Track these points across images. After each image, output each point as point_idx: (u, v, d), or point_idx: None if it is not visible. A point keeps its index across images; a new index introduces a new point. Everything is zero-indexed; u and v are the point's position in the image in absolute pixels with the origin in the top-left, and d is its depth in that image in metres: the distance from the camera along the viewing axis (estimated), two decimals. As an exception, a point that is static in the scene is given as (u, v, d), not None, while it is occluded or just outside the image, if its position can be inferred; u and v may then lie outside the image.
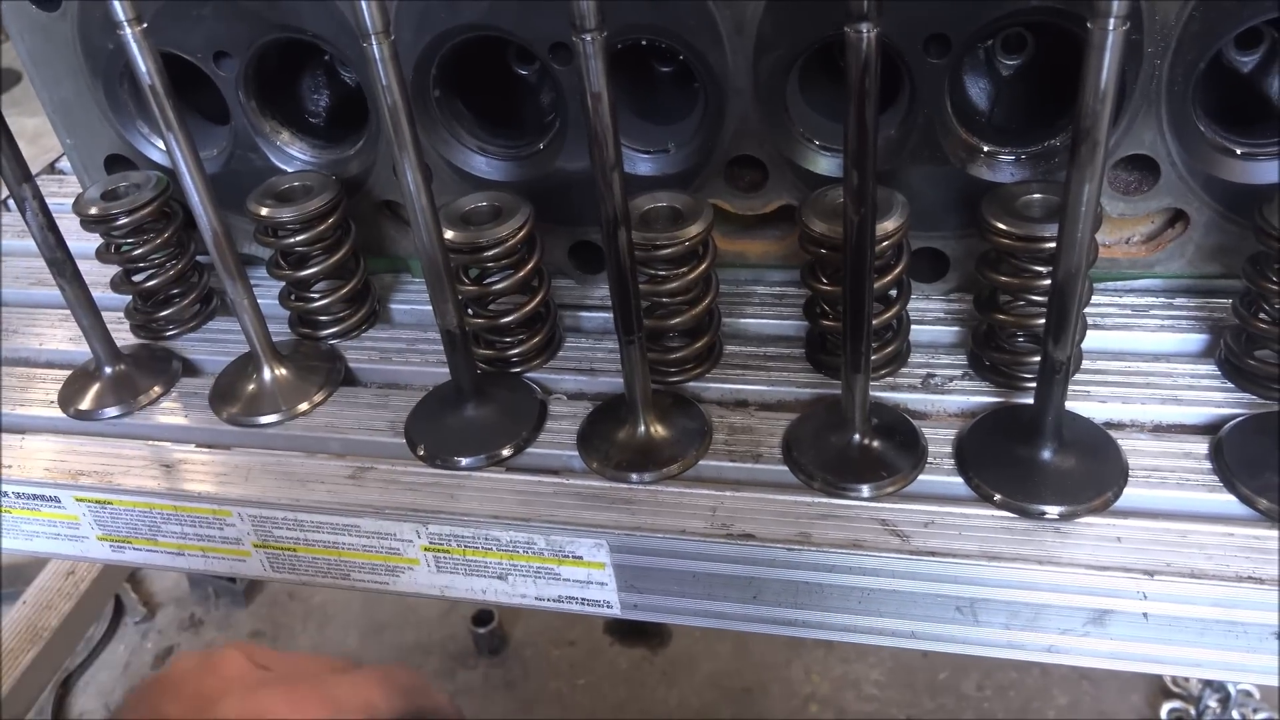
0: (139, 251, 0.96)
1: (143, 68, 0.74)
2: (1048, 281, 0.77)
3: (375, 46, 0.66)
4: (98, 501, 0.85)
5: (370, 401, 0.90)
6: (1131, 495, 0.73)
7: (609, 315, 0.95)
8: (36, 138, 1.44)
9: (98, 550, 0.89)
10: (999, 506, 0.73)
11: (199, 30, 0.91)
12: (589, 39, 0.62)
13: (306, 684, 0.65)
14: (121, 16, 0.71)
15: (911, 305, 0.87)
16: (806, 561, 0.72)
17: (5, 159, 0.82)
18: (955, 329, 0.89)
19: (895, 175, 0.86)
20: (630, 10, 0.81)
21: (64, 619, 1.57)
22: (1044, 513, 0.72)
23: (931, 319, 0.91)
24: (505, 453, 0.82)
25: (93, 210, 0.94)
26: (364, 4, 0.64)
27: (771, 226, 0.96)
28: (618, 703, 2.06)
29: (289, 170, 0.98)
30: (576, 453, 0.82)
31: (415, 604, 2.23)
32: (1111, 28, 0.56)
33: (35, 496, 0.87)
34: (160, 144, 1.01)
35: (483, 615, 2.16)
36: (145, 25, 0.73)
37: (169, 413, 0.92)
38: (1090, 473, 0.74)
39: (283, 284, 0.97)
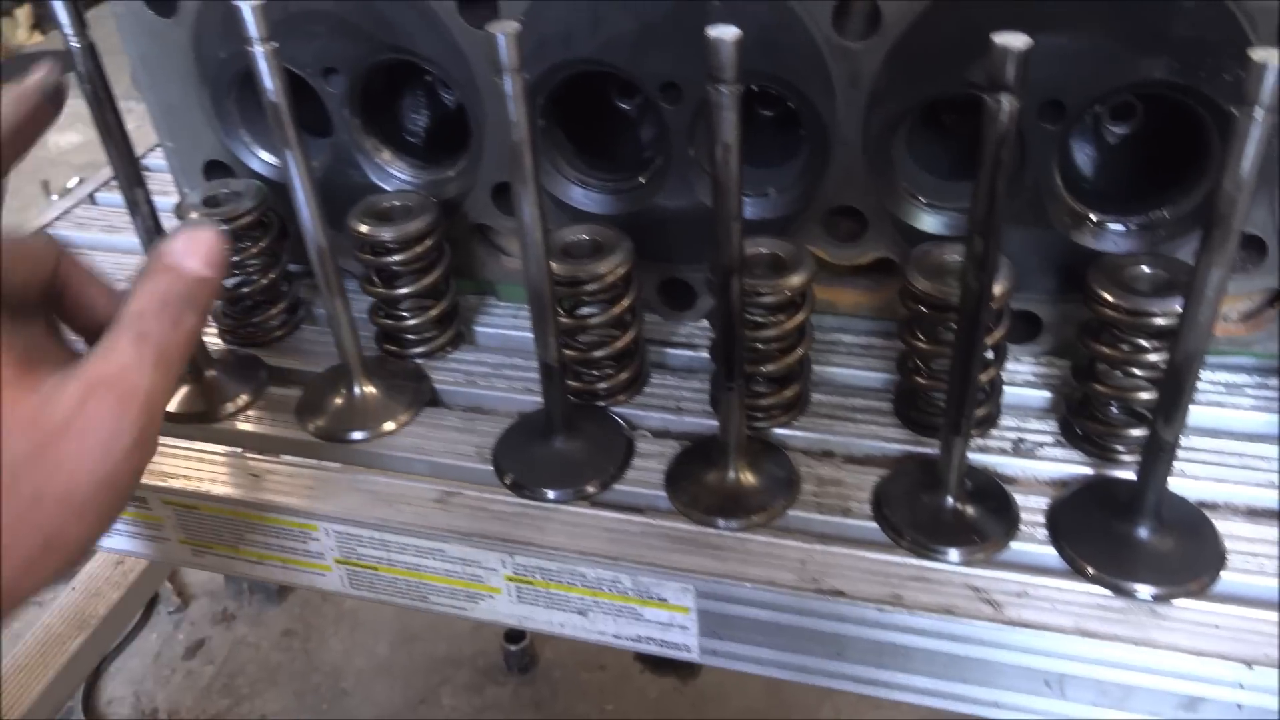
0: (235, 259, 0.97)
1: (269, 84, 0.75)
2: (1153, 356, 0.77)
3: (508, 82, 0.67)
4: (185, 506, 0.86)
5: (456, 425, 0.91)
6: (1228, 580, 0.72)
7: (694, 353, 0.96)
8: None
9: (179, 553, 0.90)
10: (1093, 581, 0.72)
11: (312, 46, 0.93)
12: (725, 90, 0.62)
13: None
14: (254, 33, 0.72)
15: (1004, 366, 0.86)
16: (896, 623, 0.72)
17: (120, 163, 0.84)
18: (1045, 394, 0.89)
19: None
20: (745, 57, 0.82)
21: (111, 607, 1.59)
22: (1140, 592, 0.71)
23: (1021, 381, 0.90)
24: (592, 488, 0.83)
25: (195, 215, 0.96)
26: (501, 39, 0.65)
27: (864, 277, 0.95)
28: (644, 731, 2.05)
29: (386, 188, 0.99)
30: (663, 492, 0.82)
31: (448, 616, 2.23)
32: (1259, 117, 0.55)
33: (122, 496, 0.88)
34: (262, 154, 1.03)
35: (515, 632, 2.16)
36: (276, 44, 0.73)
37: (256, 421, 0.93)
38: (1188, 554, 0.73)
39: (372, 299, 0.98)
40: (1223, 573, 0.72)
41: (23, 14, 5.16)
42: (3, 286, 0.53)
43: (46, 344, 0.55)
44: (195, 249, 0.56)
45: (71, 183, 2.27)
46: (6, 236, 0.55)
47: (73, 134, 3.77)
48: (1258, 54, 0.55)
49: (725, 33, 0.61)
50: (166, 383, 0.54)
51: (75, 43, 0.79)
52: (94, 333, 0.59)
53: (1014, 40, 0.57)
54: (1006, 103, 0.59)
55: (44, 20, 5.19)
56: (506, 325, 1.01)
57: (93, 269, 0.62)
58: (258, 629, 2.34)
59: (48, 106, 0.60)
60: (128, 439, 0.51)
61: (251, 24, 0.72)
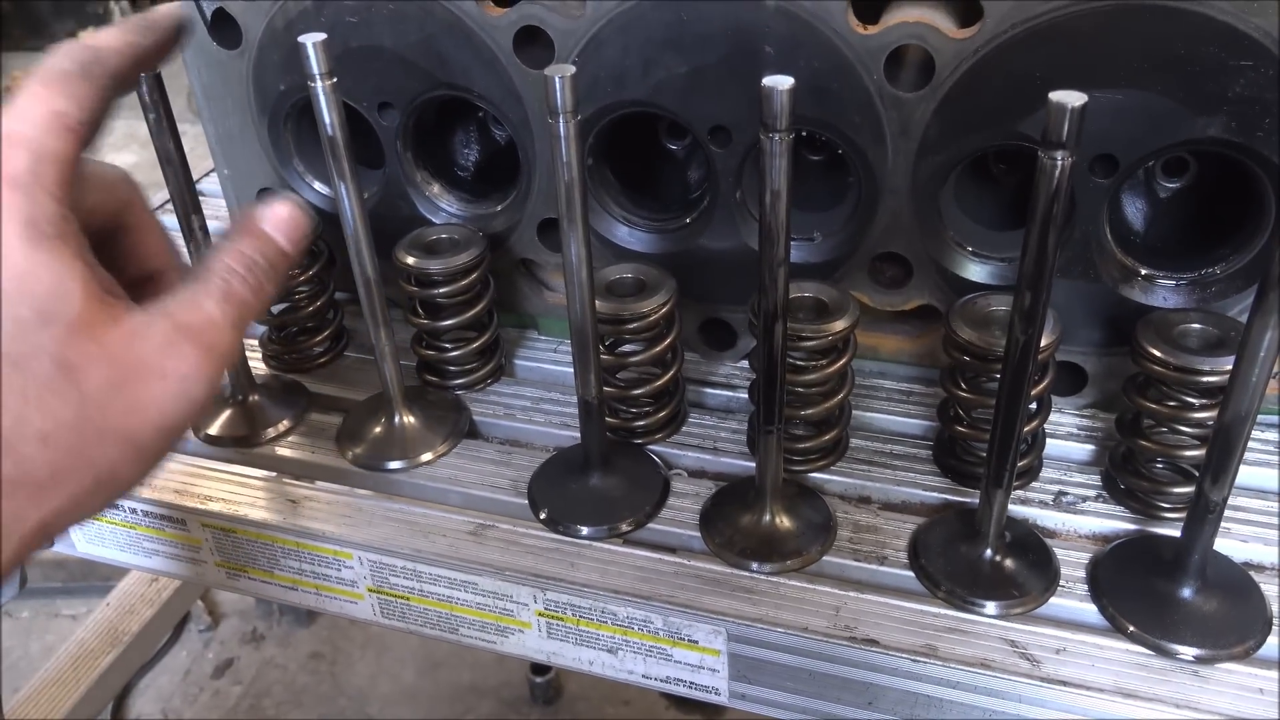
0: (285, 286, 0.99)
1: (327, 119, 0.76)
2: (1200, 414, 0.76)
3: (562, 124, 0.68)
4: (223, 529, 0.87)
5: (493, 457, 0.91)
6: (1274, 645, 0.71)
7: (733, 394, 0.96)
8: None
9: (214, 575, 0.91)
10: (1133, 640, 0.71)
11: (369, 81, 0.94)
12: (777, 139, 0.63)
13: None
14: (316, 70, 0.74)
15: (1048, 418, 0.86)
16: (930, 675, 0.71)
17: (179, 190, 0.85)
18: (1089, 447, 0.88)
19: (1045, 288, 0.85)
20: (796, 103, 0.82)
21: (144, 625, 1.60)
22: (1182, 653, 0.70)
23: (1064, 434, 0.89)
24: (626, 526, 0.82)
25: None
26: (558, 82, 0.66)
27: (906, 323, 0.95)
28: (668, 770, 2.03)
29: (435, 221, 1.00)
30: (697, 533, 0.82)
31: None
32: (1318, 180, 0.55)
33: (163, 517, 0.89)
34: (315, 184, 1.05)
35: (540, 665, 2.15)
36: (335, 80, 0.75)
37: (296, 446, 0.94)
38: (1233, 617, 0.72)
39: (415, 330, 0.99)
40: (1269, 637, 0.71)
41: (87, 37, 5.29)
42: (83, 208, 0.52)
43: (112, 279, 0.53)
44: (284, 225, 0.57)
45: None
46: (85, 160, 0.53)
47: (128, 154, 3.86)
48: (1315, 116, 0.54)
49: (780, 83, 0.62)
50: (238, 345, 0.53)
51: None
52: (139, 281, 0.58)
53: (1071, 98, 0.57)
54: (1061, 159, 0.59)
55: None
56: (547, 360, 1.02)
57: (155, 216, 0.60)
58: (286, 650, 2.35)
59: (174, 37, 0.58)
60: (201, 391, 0.50)
61: (314, 60, 0.74)
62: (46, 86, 0.50)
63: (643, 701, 2.15)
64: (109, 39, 0.54)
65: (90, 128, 0.50)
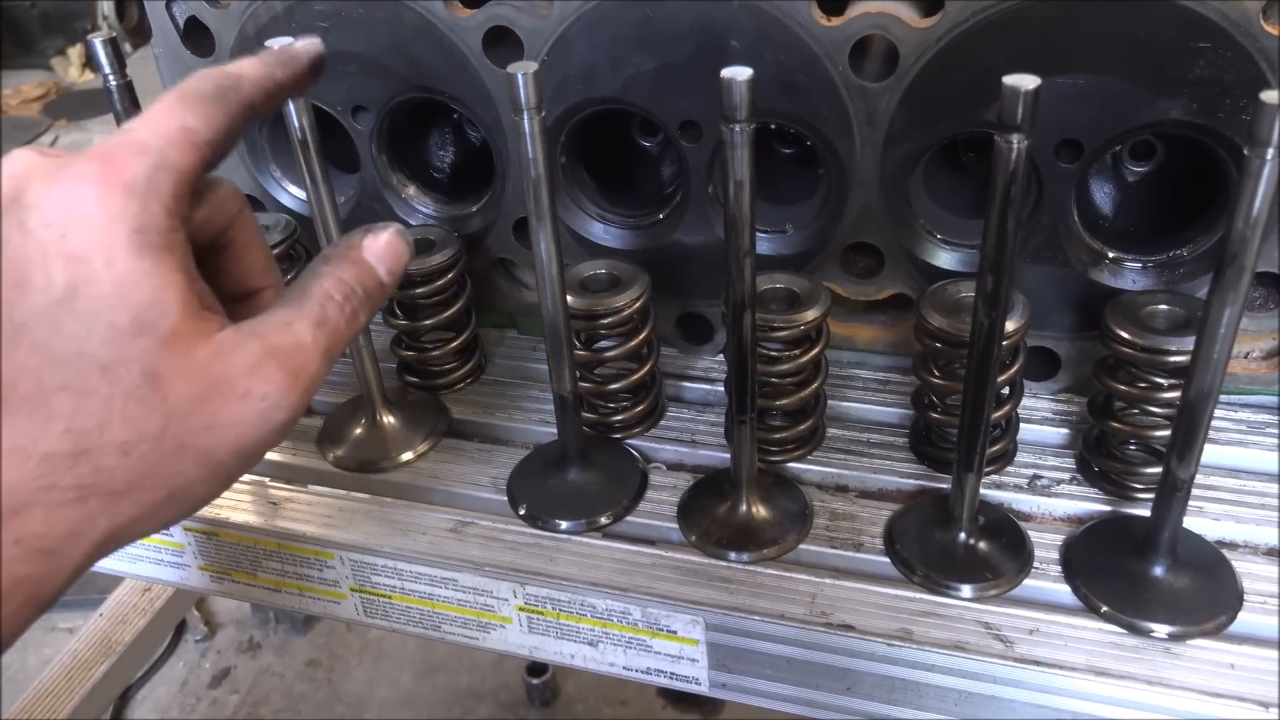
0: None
1: (295, 123, 0.77)
2: (1169, 394, 0.77)
3: (526, 120, 0.68)
4: (204, 532, 0.88)
5: (473, 455, 0.92)
6: (1246, 621, 0.71)
7: (711, 387, 0.97)
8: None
9: (198, 579, 0.91)
10: (1106, 620, 0.72)
11: (342, 85, 0.95)
12: (738, 129, 0.63)
13: (110, 147, 0.50)
14: (283, 73, 0.74)
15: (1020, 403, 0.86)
16: (906, 659, 0.72)
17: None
18: (1063, 430, 0.89)
19: (1014, 273, 0.85)
20: (764, 96, 0.83)
21: (138, 634, 1.60)
22: (1154, 631, 0.70)
23: (1039, 418, 0.90)
24: (605, 519, 0.83)
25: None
26: (520, 79, 0.67)
27: (881, 312, 0.96)
28: (666, 768, 2.03)
29: (411, 223, 1.01)
30: (676, 525, 0.83)
31: (461, 646, 2.23)
32: (1270, 157, 0.55)
33: (146, 521, 0.89)
34: (291, 189, 1.05)
35: (537, 666, 2.15)
36: (303, 82, 0.75)
37: (277, 449, 0.94)
38: (1204, 594, 0.72)
39: (394, 331, 0.99)
40: (1240, 613, 0.72)
41: (75, 54, 5.30)
42: (192, 220, 0.52)
43: (211, 293, 0.52)
44: (386, 255, 0.56)
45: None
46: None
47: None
48: (1268, 96, 0.55)
49: (739, 74, 0.63)
50: (326, 373, 0.53)
51: (113, 81, 0.81)
52: (237, 297, 0.57)
53: (1025, 81, 0.58)
54: (1017, 142, 0.59)
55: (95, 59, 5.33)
56: (526, 358, 1.03)
57: (261, 233, 0.60)
58: (283, 658, 2.35)
59: (311, 71, 0.59)
60: (282, 416, 0.50)
61: (280, 62, 0.74)
62: (182, 102, 0.50)
63: (640, 701, 2.16)
64: (249, 68, 0.55)
65: (216, 148, 0.51)
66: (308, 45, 0.59)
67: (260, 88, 0.55)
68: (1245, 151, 0.56)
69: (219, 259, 0.57)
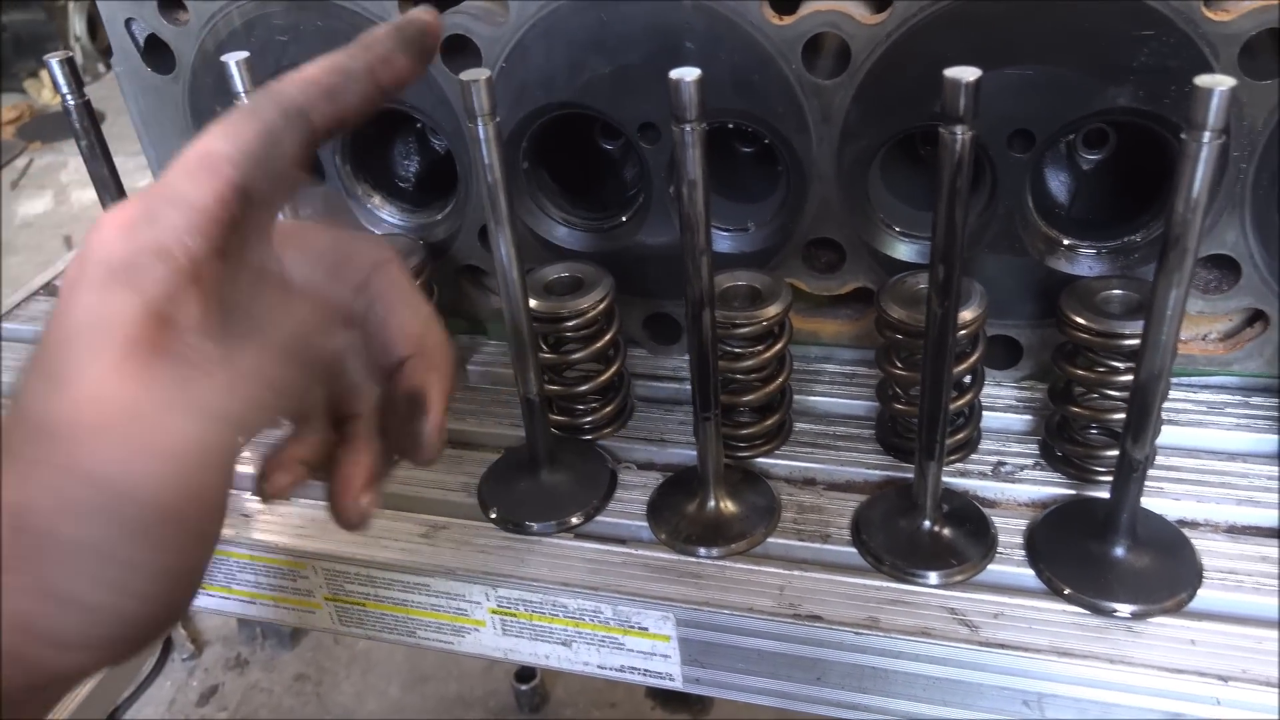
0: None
1: (254, 135, 0.77)
2: (1126, 377, 0.78)
3: (481, 127, 0.69)
4: (179, 546, 0.88)
5: (444, 461, 0.92)
6: (1206, 597, 0.72)
7: (679, 386, 0.98)
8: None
9: (174, 593, 0.92)
10: (1070, 601, 0.73)
11: (302, 97, 0.95)
12: (689, 129, 0.64)
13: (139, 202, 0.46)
14: (240, 88, 0.75)
15: (983, 391, 0.87)
16: (874, 646, 0.72)
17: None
18: (1027, 417, 0.90)
19: (973, 263, 0.87)
20: (720, 96, 0.84)
21: (121, 654, 1.59)
22: (1116, 611, 0.71)
23: (1003, 406, 0.91)
24: (575, 520, 0.84)
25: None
26: (474, 86, 0.67)
27: (846, 307, 0.97)
28: (657, 770, 2.04)
29: (377, 233, 1.02)
30: (646, 523, 0.83)
31: (459, 656, 2.23)
32: (1206, 140, 0.57)
33: (119, 537, 0.89)
34: (256, 201, 1.05)
35: (525, 672, 2.15)
36: (260, 95, 0.76)
37: (247, 463, 0.94)
38: (1164, 572, 0.73)
39: (364, 341, 1.00)
40: (1200, 590, 0.73)
41: (48, 75, 5.29)
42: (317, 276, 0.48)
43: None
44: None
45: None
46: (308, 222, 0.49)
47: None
48: (1202, 80, 0.56)
49: (687, 74, 0.63)
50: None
51: (71, 100, 0.82)
52: (389, 368, 0.52)
53: (965, 73, 0.59)
54: (961, 133, 0.60)
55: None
56: (496, 363, 1.03)
57: (414, 293, 0.53)
58: (270, 674, 2.34)
59: (412, 52, 0.52)
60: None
61: (238, 78, 0.75)
62: (215, 126, 0.46)
63: (629, 703, 2.16)
64: (299, 72, 0.49)
65: (251, 167, 0.45)
66: (405, 21, 0.52)
67: (314, 86, 0.48)
68: (1182, 135, 0.57)
69: (366, 322, 0.52)
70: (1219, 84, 0.55)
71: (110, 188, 0.85)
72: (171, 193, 0.44)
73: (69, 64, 0.80)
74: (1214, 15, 0.73)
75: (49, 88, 5.30)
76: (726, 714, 2.10)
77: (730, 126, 0.90)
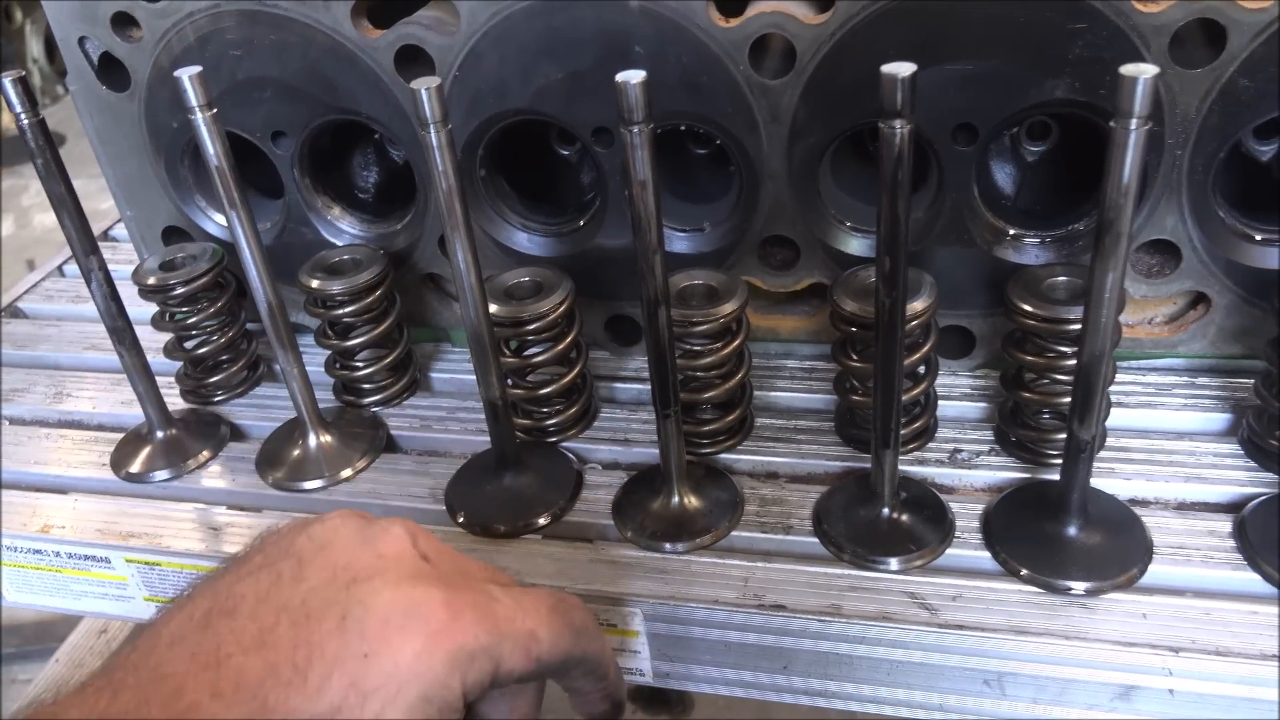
0: (193, 320, 1.00)
1: (210, 149, 0.78)
2: (1073, 361, 0.80)
3: (433, 134, 0.70)
4: (147, 563, 0.88)
5: (411, 468, 0.93)
6: (1156, 572, 0.75)
7: (643, 387, 0.99)
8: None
9: (144, 610, 0.92)
10: (1026, 581, 0.75)
11: (259, 111, 0.96)
12: (636, 130, 0.66)
13: (466, 592, 0.55)
14: (194, 102, 0.76)
15: (939, 381, 0.89)
16: (836, 633, 0.74)
17: (74, 232, 0.86)
18: (982, 405, 0.92)
19: (923, 256, 0.89)
20: (671, 98, 0.85)
21: (95, 676, 1.58)
22: (1070, 588, 0.73)
23: (959, 395, 0.93)
24: (542, 521, 0.85)
25: (151, 280, 0.99)
26: (424, 94, 0.68)
27: (802, 303, 0.98)
28: (639, 771, 2.04)
29: (338, 243, 1.02)
30: (611, 522, 0.84)
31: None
32: (1134, 127, 0.59)
33: (87, 557, 0.90)
34: (217, 218, 1.06)
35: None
36: (215, 110, 0.77)
37: (217, 476, 0.95)
38: (1116, 549, 0.75)
39: (328, 352, 1.01)
40: (1151, 565, 0.75)
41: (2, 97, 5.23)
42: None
43: None
44: None
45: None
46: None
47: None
48: (1127, 69, 0.58)
49: (632, 77, 0.65)
50: None
51: (25, 119, 0.82)
52: None
53: (901, 69, 0.61)
54: (899, 127, 0.62)
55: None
56: (460, 370, 1.04)
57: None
58: (249, 693, 2.33)
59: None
60: None
61: (191, 93, 0.76)
62: (550, 610, 0.58)
63: (610, 707, 2.16)
64: (612, 656, 0.67)
65: (545, 668, 0.57)
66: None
67: (600, 664, 0.63)
68: (1111, 123, 0.59)
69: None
70: (1143, 72, 0.57)
71: (68, 206, 0.85)
72: (496, 649, 0.54)
73: (22, 83, 0.80)
74: (1143, 7, 0.75)
75: (7, 112, 5.26)
76: (708, 713, 2.11)
77: (683, 128, 0.92)
